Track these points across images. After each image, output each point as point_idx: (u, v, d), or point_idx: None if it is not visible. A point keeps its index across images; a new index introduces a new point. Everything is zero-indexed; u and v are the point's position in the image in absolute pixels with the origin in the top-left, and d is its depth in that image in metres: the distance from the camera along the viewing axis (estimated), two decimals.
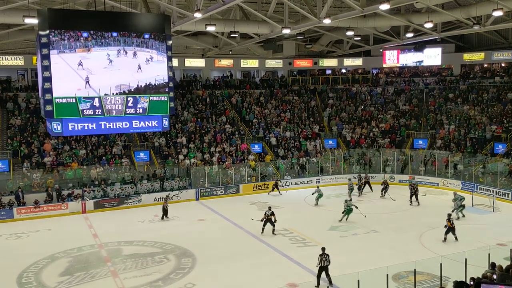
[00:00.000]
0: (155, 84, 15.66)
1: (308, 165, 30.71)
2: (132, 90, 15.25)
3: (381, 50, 37.78)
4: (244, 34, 28.38)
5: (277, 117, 35.06)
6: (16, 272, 15.62)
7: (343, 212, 21.31)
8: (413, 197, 24.39)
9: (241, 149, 30.99)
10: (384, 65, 39.49)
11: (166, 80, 15.76)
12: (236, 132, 32.53)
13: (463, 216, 21.48)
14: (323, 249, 13.99)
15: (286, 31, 23.91)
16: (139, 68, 15.37)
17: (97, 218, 23.23)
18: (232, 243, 18.71)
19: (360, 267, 12.87)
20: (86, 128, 15.54)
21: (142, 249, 18.00)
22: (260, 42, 31.17)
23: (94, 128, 15.60)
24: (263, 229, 19.33)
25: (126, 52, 15.09)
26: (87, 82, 14.72)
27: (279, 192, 27.72)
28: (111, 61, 14.88)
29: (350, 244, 18.15)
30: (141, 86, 15.38)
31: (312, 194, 25.12)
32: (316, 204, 24.69)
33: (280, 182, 28.48)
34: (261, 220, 19.45)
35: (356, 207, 21.40)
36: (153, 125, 16.85)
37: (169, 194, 24.06)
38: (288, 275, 14.85)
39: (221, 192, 27.56)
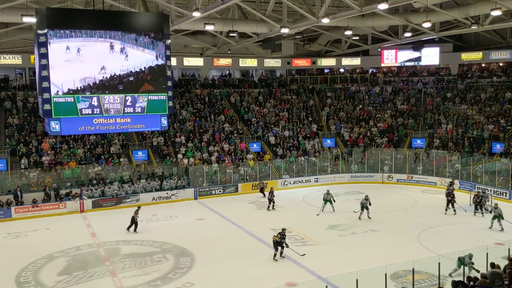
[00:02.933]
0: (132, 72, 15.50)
1: (307, 164, 30.73)
2: (97, 82, 15.06)
3: (379, 50, 37.82)
4: (242, 33, 28.38)
5: (275, 116, 35.06)
6: (14, 271, 15.58)
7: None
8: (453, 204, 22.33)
9: (240, 148, 30.99)
10: (382, 65, 39.55)
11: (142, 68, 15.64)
12: (235, 131, 32.53)
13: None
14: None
15: (285, 31, 23.93)
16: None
17: (95, 217, 23.20)
18: (231, 242, 18.70)
19: (358, 266, 12.88)
20: (84, 127, 15.55)
21: (141, 249, 17.99)
22: (259, 41, 31.17)
23: (93, 127, 15.62)
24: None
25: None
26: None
27: (264, 195, 26.48)
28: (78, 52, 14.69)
29: (349, 243, 18.18)
30: (106, 78, 15.19)
31: (323, 199, 23.15)
32: (322, 211, 22.89)
33: (264, 185, 27.22)
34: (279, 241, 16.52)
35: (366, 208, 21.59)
36: (152, 124, 16.87)
37: (139, 207, 21.26)
38: (286, 274, 14.86)
39: (220, 191, 27.56)
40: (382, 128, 34.17)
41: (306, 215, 22.86)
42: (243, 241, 18.79)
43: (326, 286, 10.97)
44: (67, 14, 15.26)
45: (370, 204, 21.49)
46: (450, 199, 22.30)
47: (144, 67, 15.62)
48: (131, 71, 15.45)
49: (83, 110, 14.89)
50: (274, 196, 24.11)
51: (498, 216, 19.25)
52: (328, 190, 23.12)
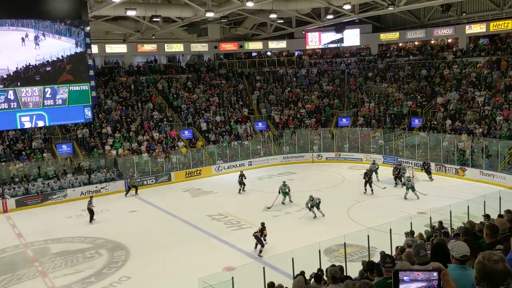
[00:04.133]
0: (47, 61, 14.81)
1: (240, 148, 30.92)
2: (11, 74, 14.30)
3: (303, 32, 38.54)
4: (167, 18, 27.68)
5: (206, 102, 34.80)
6: None
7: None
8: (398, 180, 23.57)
9: (170, 136, 30.51)
10: (307, 47, 40.36)
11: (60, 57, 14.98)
12: (165, 119, 31.93)
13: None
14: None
15: (210, 14, 23.68)
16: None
17: (20, 216, 21.96)
18: (167, 232, 18.50)
19: (294, 245, 13.27)
20: (1, 122, 14.57)
21: (72, 246, 17.33)
22: (184, 26, 30.61)
23: (11, 122, 14.67)
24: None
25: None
26: None
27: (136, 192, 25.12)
28: None
29: (284, 223, 18.64)
30: (21, 69, 14.47)
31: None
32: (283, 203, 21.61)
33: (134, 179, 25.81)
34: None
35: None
36: (75, 116, 16.17)
37: (92, 196, 21.72)
38: (225, 259, 14.97)
39: (152, 181, 27.06)
40: (310, 109, 35.07)
41: (241, 199, 23.11)
42: (179, 230, 18.67)
43: (264, 268, 11.20)
44: None
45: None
46: (367, 179, 22.72)
47: (62, 56, 14.86)
48: (48, 61, 14.64)
49: None
50: (245, 178, 24.28)
51: (411, 187, 21.01)
52: (284, 182, 21.87)
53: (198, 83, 36.82)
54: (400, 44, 39.41)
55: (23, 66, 14.23)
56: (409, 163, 26.26)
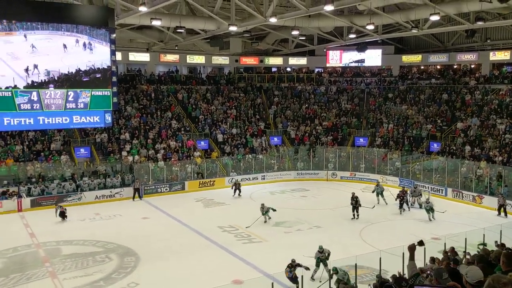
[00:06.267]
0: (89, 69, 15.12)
1: (254, 162, 30.94)
2: (61, 76, 14.62)
3: (324, 50, 38.66)
4: (190, 30, 28.05)
5: (223, 114, 35.02)
6: None
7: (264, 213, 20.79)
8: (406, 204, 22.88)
9: (187, 145, 30.71)
10: (328, 65, 40.46)
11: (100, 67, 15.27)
12: (182, 129, 32.18)
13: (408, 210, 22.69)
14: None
15: (233, 28, 23.93)
16: (66, 52, 14.80)
17: (34, 216, 22.23)
18: (177, 240, 18.49)
19: (304, 263, 13.14)
20: (23, 123, 14.85)
21: (83, 249, 17.44)
22: (207, 38, 30.99)
23: (32, 123, 14.95)
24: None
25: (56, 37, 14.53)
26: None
27: (140, 197, 25.80)
28: (34, 46, 14.23)
29: (294, 240, 18.48)
30: (71, 72, 14.79)
31: (372, 192, 24.51)
32: (378, 203, 23.87)
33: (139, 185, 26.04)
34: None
35: None
36: (95, 121, 16.39)
37: (60, 205, 21.87)
38: (233, 271, 14.89)
39: (166, 189, 27.19)
40: (327, 126, 34.99)
41: (253, 212, 23.00)
42: (190, 239, 18.65)
43: (272, 283, 11.11)
44: (5, 4, 14.44)
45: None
46: (401, 200, 22.53)
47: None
48: (97, 67, 14.97)
49: (21, 105, 14.23)
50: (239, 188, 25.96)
51: (430, 209, 20.76)
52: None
53: (217, 95, 37.10)
54: (422, 67, 39.24)
55: (75, 70, 14.61)
56: (425, 187, 25.93)
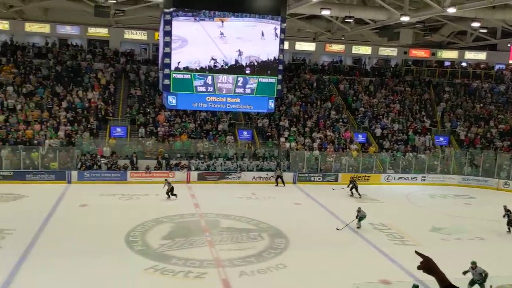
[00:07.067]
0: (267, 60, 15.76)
1: (415, 161, 29.29)
2: (260, 62, 15.51)
3: (509, 45, 34.37)
4: (359, 20, 27.53)
5: (385, 108, 33.79)
6: (124, 230, 17.02)
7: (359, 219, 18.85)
8: None
9: (344, 137, 30.45)
10: (511, 61, 35.95)
11: (275, 58, 15.76)
12: (340, 120, 31.99)
13: None
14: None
15: (405, 19, 22.76)
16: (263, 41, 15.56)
17: (199, 189, 24.44)
18: (326, 231, 18.54)
19: (459, 274, 12.08)
20: (197, 103, 16.31)
21: (238, 224, 18.60)
22: (375, 29, 30.05)
23: (205, 104, 16.31)
24: None
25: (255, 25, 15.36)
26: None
27: (283, 184, 26.14)
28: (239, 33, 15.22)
29: (452, 249, 17.08)
30: (262, 61, 15.58)
31: None
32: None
33: (281, 172, 26.44)
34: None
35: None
36: (259, 106, 17.15)
37: (166, 179, 22.93)
38: (381, 270, 14.40)
39: (319, 178, 27.42)
40: (503, 130, 31.30)
41: (408, 213, 21.91)
42: (339, 232, 18.55)
43: None
44: None
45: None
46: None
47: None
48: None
49: (198, 87, 15.55)
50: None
51: None
52: (359, 208, 18.91)
53: (381, 88, 35.90)
54: None
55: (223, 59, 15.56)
56: None
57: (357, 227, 18.44)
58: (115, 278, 12.97)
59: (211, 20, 14.88)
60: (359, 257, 15.71)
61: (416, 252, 3.13)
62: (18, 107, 27.65)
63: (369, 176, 27.99)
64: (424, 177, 28.57)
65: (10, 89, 28.62)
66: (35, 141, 25.58)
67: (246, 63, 15.50)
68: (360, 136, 30.84)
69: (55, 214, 18.92)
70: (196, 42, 14.91)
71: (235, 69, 15.50)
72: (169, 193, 21.91)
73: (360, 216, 18.48)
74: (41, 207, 19.45)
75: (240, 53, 15.43)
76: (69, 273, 13.05)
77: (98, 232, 16.77)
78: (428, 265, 3.21)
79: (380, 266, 14.95)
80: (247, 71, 15.67)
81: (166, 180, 22.58)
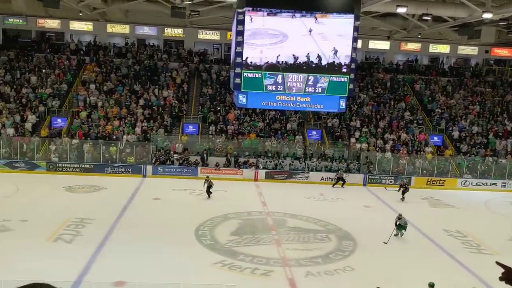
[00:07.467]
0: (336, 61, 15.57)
1: (495, 166, 27.55)
2: (328, 63, 15.41)
3: None
4: (437, 17, 26.35)
5: (464, 109, 32.09)
6: (194, 224, 17.52)
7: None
8: None
9: (418, 139, 29.30)
10: None
11: (347, 58, 15.51)
12: (415, 121, 30.81)
13: None
14: None
15: (487, 16, 21.44)
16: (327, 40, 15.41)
17: (266, 187, 24.60)
18: (398, 236, 17.93)
19: None
20: (267, 102, 16.41)
21: (305, 224, 18.50)
22: (455, 27, 28.59)
23: (275, 103, 16.37)
24: None
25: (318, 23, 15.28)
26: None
27: (343, 185, 25.38)
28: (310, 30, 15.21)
29: None
30: (325, 63, 15.45)
31: None
32: None
33: (344, 175, 25.81)
34: None
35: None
36: (330, 105, 16.93)
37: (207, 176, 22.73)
38: (456, 280, 13.71)
39: (391, 181, 26.56)
40: None
41: (486, 221, 20.66)
42: (410, 237, 17.85)
43: None
44: None
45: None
46: None
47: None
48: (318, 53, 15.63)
49: (268, 86, 15.66)
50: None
51: None
52: (400, 214, 17.41)
53: (459, 88, 34.16)
54: None
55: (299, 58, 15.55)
56: None
57: (395, 235, 17.16)
58: (184, 269, 13.38)
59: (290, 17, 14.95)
60: (430, 264, 15.03)
61: (497, 263, 2.94)
62: (99, 104, 29.35)
63: (444, 181, 26.74)
64: (505, 183, 26.79)
65: (92, 86, 30.49)
66: (114, 136, 27.05)
67: (318, 62, 15.38)
68: (435, 138, 29.55)
69: (131, 205, 19.90)
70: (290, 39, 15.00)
71: (307, 68, 15.44)
72: (209, 191, 21.77)
73: (400, 223, 16.99)
74: (118, 199, 20.54)
75: (320, 52, 15.33)
76: (142, 261, 13.67)
77: (170, 224, 17.41)
78: (511, 276, 2.99)
79: (453, 275, 14.24)
80: (318, 70, 15.56)
81: (207, 177, 22.44)
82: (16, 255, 13.56)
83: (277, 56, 15.27)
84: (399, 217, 17.06)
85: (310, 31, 15.19)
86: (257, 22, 14.94)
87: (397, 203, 22.48)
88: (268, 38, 15.27)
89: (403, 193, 23.10)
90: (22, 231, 15.80)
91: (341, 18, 15.34)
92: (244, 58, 15.07)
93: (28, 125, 26.99)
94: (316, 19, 15.16)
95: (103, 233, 15.91)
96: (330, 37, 15.33)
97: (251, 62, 15.15)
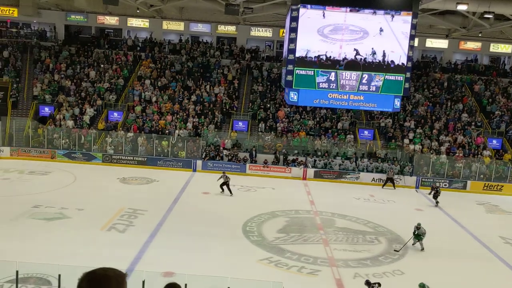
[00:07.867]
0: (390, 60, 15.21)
1: None
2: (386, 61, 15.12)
3: None
4: (499, 15, 25.11)
5: None
6: (242, 220, 17.65)
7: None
8: None
9: (476, 142, 28.07)
10: None
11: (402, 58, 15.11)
12: (473, 123, 29.53)
13: None
14: None
15: None
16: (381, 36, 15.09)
17: (315, 186, 24.39)
18: (450, 241, 17.30)
19: None
20: (319, 100, 16.23)
21: (354, 225, 18.19)
22: None
23: (326, 101, 16.17)
24: None
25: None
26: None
27: (394, 187, 24.80)
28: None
29: None
30: (379, 61, 15.13)
31: None
32: None
33: (396, 177, 25.19)
34: None
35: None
36: (384, 105, 16.52)
37: (224, 172, 22.18)
38: None
39: (445, 185, 25.60)
40: None
41: None
42: (463, 243, 17.19)
43: None
44: None
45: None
46: None
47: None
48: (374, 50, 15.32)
49: (320, 83, 15.49)
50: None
51: None
52: (419, 224, 16.14)
53: None
54: None
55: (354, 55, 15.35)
56: None
57: (412, 244, 16.04)
58: (231, 264, 13.51)
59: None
60: (484, 273, 14.38)
61: None
62: (153, 99, 30.15)
63: (502, 186, 25.49)
64: None
65: (147, 82, 31.35)
66: (167, 131, 27.71)
67: (373, 59, 15.07)
68: (494, 141, 28.24)
69: (181, 198, 20.33)
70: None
71: (363, 66, 15.15)
72: (223, 187, 21.25)
73: (419, 233, 15.85)
74: (169, 192, 21.04)
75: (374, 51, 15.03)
76: (190, 253, 13.95)
77: (218, 218, 17.65)
78: None
79: (509, 285, 13.54)
80: (373, 68, 15.23)
81: (224, 172, 22.01)
82: (71, 242, 14.20)
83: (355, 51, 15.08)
84: (418, 227, 15.90)
85: (381, 30, 14.92)
86: (336, 17, 14.88)
87: (449, 208, 21.65)
88: (349, 34, 15.11)
89: (435, 197, 21.98)
90: (78, 220, 16.50)
91: (398, 16, 14.93)
92: (323, 53, 14.99)
93: (86, 118, 28.17)
94: (393, 17, 14.87)
95: (153, 225, 16.34)
96: (387, 35, 14.97)
97: (330, 57, 15.03)
